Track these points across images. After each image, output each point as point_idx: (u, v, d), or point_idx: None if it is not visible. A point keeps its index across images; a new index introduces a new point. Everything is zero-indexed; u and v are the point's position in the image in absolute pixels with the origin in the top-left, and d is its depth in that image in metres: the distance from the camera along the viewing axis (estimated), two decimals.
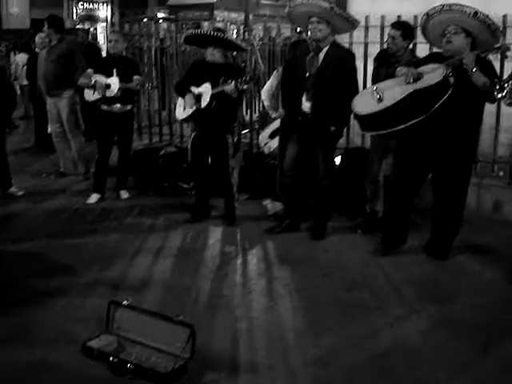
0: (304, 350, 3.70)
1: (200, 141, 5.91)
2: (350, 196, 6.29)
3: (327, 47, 5.31)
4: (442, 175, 4.97)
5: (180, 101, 5.96)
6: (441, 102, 4.48)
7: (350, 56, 5.47)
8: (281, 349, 3.72)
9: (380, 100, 4.65)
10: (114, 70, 6.54)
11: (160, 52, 8.93)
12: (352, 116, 5.08)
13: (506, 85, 4.19)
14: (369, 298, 4.42)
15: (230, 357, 3.61)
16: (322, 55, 5.31)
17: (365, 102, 4.80)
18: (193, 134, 6.03)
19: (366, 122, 4.84)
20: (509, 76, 4.30)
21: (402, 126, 4.56)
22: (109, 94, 6.47)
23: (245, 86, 5.43)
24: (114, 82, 6.47)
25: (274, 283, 4.67)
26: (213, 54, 5.68)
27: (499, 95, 4.22)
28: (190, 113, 5.81)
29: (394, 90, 4.66)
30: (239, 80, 5.39)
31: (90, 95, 6.66)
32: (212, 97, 5.57)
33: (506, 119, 6.42)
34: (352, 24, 5.42)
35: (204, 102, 5.63)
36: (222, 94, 5.51)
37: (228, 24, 12.96)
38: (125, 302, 3.72)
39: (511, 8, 6.43)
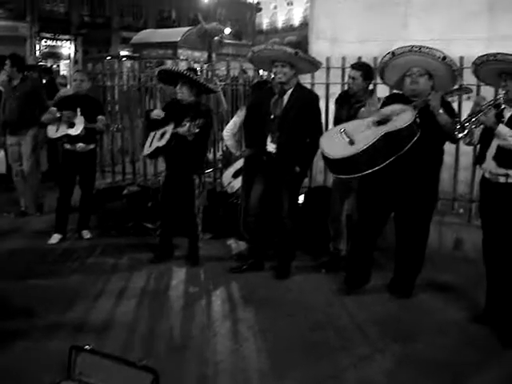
0: None
1: (169, 181, 5.95)
2: (313, 235, 6.32)
3: (291, 89, 5.40)
4: (405, 214, 5.04)
5: (149, 137, 6.00)
6: (411, 143, 4.54)
7: (314, 97, 5.55)
8: None
9: (352, 143, 4.64)
10: (79, 110, 6.53)
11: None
12: (322, 158, 5.04)
13: (466, 124, 4.28)
14: (333, 338, 4.42)
15: None
16: (286, 97, 5.39)
17: (334, 145, 4.76)
18: (163, 174, 6.08)
19: (339, 165, 4.78)
20: (468, 116, 4.40)
21: (375, 169, 4.57)
22: (73, 132, 6.45)
23: (196, 130, 5.44)
24: (79, 121, 6.46)
25: (238, 325, 4.64)
26: (181, 92, 5.75)
27: (460, 135, 4.31)
28: (151, 150, 5.87)
29: (365, 133, 4.66)
30: (193, 123, 5.43)
31: (53, 132, 6.62)
32: (172, 136, 5.62)
33: (465, 158, 6.56)
34: (315, 66, 5.53)
35: (164, 141, 5.68)
36: (180, 134, 5.56)
37: (191, 63, 13.05)
38: (87, 347, 3.64)
39: (468, 49, 6.62)
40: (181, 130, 5.53)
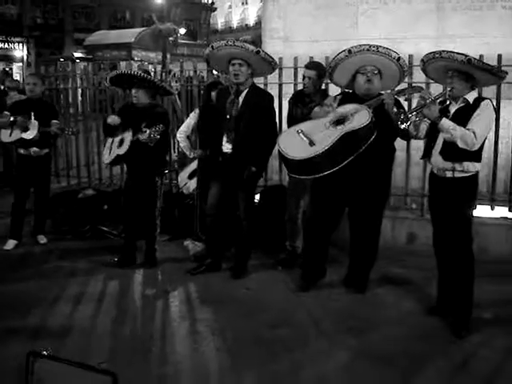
0: None
1: (131, 184, 5.93)
2: (269, 233, 6.39)
3: (246, 90, 5.44)
4: (358, 210, 5.15)
5: (107, 144, 5.98)
6: (369, 141, 4.62)
7: (268, 98, 5.60)
8: None
9: (312, 144, 4.68)
10: (32, 114, 6.47)
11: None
12: (280, 159, 5.06)
13: (409, 115, 4.40)
14: (290, 334, 4.48)
15: None
16: (241, 98, 5.43)
17: (294, 146, 4.78)
18: (125, 178, 6.03)
19: (299, 166, 4.80)
20: (413, 109, 4.53)
21: (335, 169, 4.63)
22: (27, 136, 6.39)
23: (158, 136, 5.44)
24: (33, 125, 6.41)
25: (196, 325, 4.66)
26: (136, 96, 5.73)
27: (402, 126, 4.41)
28: (112, 158, 5.85)
29: (324, 133, 4.70)
30: (153, 129, 5.42)
31: (7, 136, 6.56)
32: (132, 143, 5.60)
33: (417, 153, 6.70)
34: (272, 67, 5.57)
35: (123, 149, 5.65)
36: (140, 141, 5.55)
37: (145, 64, 12.98)
38: (44, 352, 3.63)
39: (417, 48, 6.78)
40: (141, 137, 5.50)
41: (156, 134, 5.41)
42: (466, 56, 4.18)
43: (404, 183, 6.74)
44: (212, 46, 5.47)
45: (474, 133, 4.20)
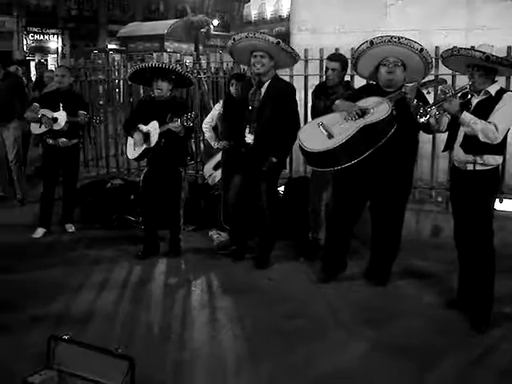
0: (244, 379, 3.78)
1: (153, 176, 5.94)
2: (293, 224, 6.42)
3: (269, 81, 5.46)
4: (380, 203, 5.15)
5: (130, 140, 6.00)
6: (389, 135, 4.61)
7: (290, 90, 5.63)
8: (221, 379, 3.78)
9: (330, 136, 4.71)
10: (61, 105, 6.59)
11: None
12: (300, 151, 5.10)
13: (428, 110, 4.37)
14: (309, 325, 4.52)
15: None
16: (263, 89, 5.46)
17: (313, 138, 4.82)
18: (145, 170, 6.07)
19: (317, 158, 4.84)
20: (433, 103, 4.51)
21: (353, 162, 4.64)
22: (56, 127, 6.52)
23: (191, 123, 5.49)
24: (61, 115, 6.52)
25: (216, 313, 4.73)
26: (160, 88, 5.73)
27: (421, 119, 4.39)
28: (140, 152, 5.86)
29: (343, 126, 4.73)
30: (185, 117, 5.46)
31: (37, 129, 6.73)
32: (160, 135, 5.63)
33: (442, 146, 6.66)
34: (294, 59, 5.59)
35: (153, 141, 5.69)
36: (169, 131, 5.58)
37: (180, 55, 13.04)
38: (65, 337, 3.73)
39: (447, 40, 6.71)
40: (173, 125, 5.52)
41: (189, 121, 5.45)
42: (484, 53, 4.13)
43: (429, 176, 6.68)
44: (234, 39, 5.52)
45: (495, 126, 4.17)
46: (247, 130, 5.52)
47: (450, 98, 4.28)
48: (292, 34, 8.68)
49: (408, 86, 4.87)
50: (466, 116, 4.23)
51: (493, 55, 4.15)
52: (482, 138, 4.19)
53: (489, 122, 4.19)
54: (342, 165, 4.69)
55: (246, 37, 5.41)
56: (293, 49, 5.52)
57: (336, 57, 5.83)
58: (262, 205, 5.70)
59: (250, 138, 5.51)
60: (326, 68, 5.81)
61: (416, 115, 4.41)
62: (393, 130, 4.62)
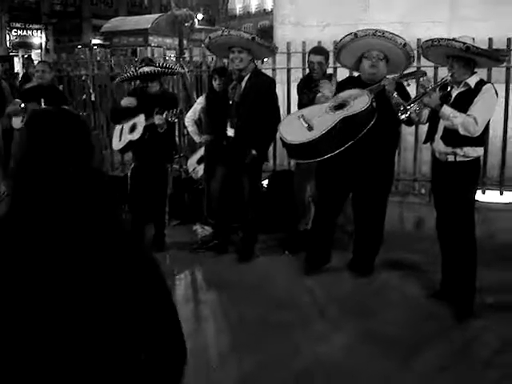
0: (228, 372, 3.79)
1: (140, 172, 5.92)
2: (277, 218, 6.42)
3: (248, 75, 5.48)
4: (362, 194, 5.17)
5: (116, 131, 5.99)
6: (368, 127, 4.65)
7: (270, 83, 5.67)
8: (206, 372, 3.78)
9: (310, 128, 4.74)
10: (42, 100, 6.55)
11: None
12: (281, 144, 5.13)
13: (408, 107, 4.39)
14: (293, 317, 4.53)
15: None
16: (243, 83, 5.48)
17: (293, 131, 4.86)
18: (132, 165, 6.06)
19: (297, 150, 4.89)
20: (413, 98, 4.53)
21: (333, 154, 4.68)
22: None
23: (175, 119, 5.49)
24: None
25: (200, 307, 4.76)
26: (150, 86, 5.76)
27: (402, 116, 4.42)
28: (124, 143, 5.85)
29: (323, 118, 4.75)
30: (170, 112, 5.47)
31: (19, 123, 6.66)
32: (145, 129, 5.62)
33: None
34: (272, 51, 5.68)
35: (137, 134, 5.67)
36: (154, 125, 5.58)
37: (163, 49, 12.99)
38: None
39: (429, 32, 6.72)
40: (157, 121, 5.52)
41: (174, 117, 5.45)
42: (465, 43, 4.15)
43: (412, 168, 6.71)
44: (209, 37, 5.59)
45: (474, 119, 4.19)
46: (228, 124, 5.54)
47: (429, 92, 4.30)
48: (275, 27, 8.66)
49: (388, 78, 4.89)
50: (446, 110, 4.25)
51: (473, 46, 4.17)
52: (462, 131, 4.22)
53: (468, 115, 4.21)
54: (321, 156, 4.72)
55: (221, 35, 5.47)
56: (269, 42, 5.58)
57: (320, 50, 5.85)
58: (244, 198, 5.71)
59: (230, 132, 5.54)
60: (310, 62, 5.82)
61: (397, 113, 4.43)
62: (373, 122, 4.65)
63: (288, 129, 4.96)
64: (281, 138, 4.96)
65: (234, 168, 5.61)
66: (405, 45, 4.84)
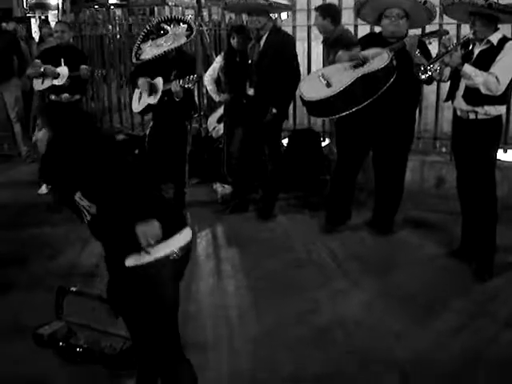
0: (247, 327, 3.86)
1: (159, 130, 5.90)
2: (298, 177, 6.43)
3: (267, 33, 5.46)
4: (382, 152, 5.16)
5: (136, 94, 5.97)
6: (387, 85, 4.62)
7: (289, 41, 5.66)
8: (225, 328, 3.86)
9: (329, 85, 4.73)
10: (62, 60, 6.54)
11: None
12: (301, 102, 5.13)
13: (428, 67, 4.33)
14: (313, 274, 4.59)
15: None
16: (262, 42, 5.47)
17: (313, 88, 4.87)
18: (151, 124, 6.05)
19: (316, 107, 4.90)
20: (434, 57, 4.47)
21: (351, 111, 4.68)
22: (57, 82, 6.48)
23: (191, 86, 5.47)
24: (63, 71, 6.48)
25: (221, 264, 4.80)
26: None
27: (422, 76, 4.37)
28: (144, 106, 5.82)
29: (342, 75, 4.74)
30: (187, 79, 5.40)
31: (39, 85, 6.68)
32: (163, 94, 5.58)
33: None
34: (289, 9, 5.81)
35: (155, 99, 5.64)
36: (171, 91, 5.54)
37: (181, 8, 12.83)
38: (73, 288, 3.79)
39: None
40: (174, 87, 5.46)
41: (190, 84, 5.42)
42: (487, 0, 4.06)
43: (433, 126, 6.64)
44: (225, 3, 5.65)
45: (496, 77, 4.11)
46: (248, 83, 5.54)
47: (450, 51, 4.23)
48: None
49: (409, 36, 4.82)
50: (468, 69, 4.18)
51: (496, 2, 4.08)
52: (483, 90, 4.15)
53: (490, 73, 4.14)
54: (339, 113, 4.76)
55: (238, 2, 5.53)
56: (285, 4, 5.63)
57: (321, 10, 5.86)
58: (264, 156, 5.72)
59: (250, 91, 5.54)
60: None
61: (417, 73, 4.39)
62: (392, 80, 4.62)
63: (307, 86, 4.97)
64: (300, 96, 4.96)
65: (254, 127, 5.59)
66: (425, 2, 4.75)
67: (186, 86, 5.41)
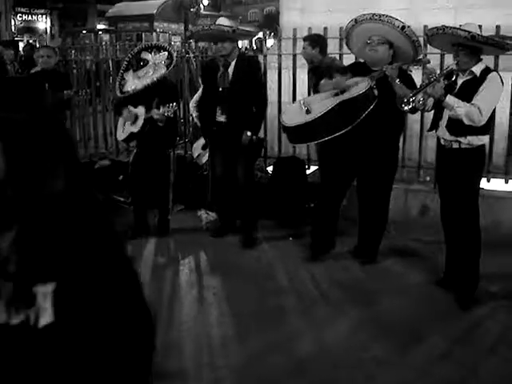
0: (230, 356, 3.81)
1: (141, 158, 5.93)
2: (282, 204, 6.43)
3: (235, 61, 5.58)
4: (365, 181, 5.17)
5: (120, 122, 6.03)
6: (366, 112, 4.65)
7: (256, 65, 5.95)
8: (208, 357, 3.81)
9: (308, 112, 4.80)
10: (47, 85, 6.53)
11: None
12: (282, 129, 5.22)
13: (411, 98, 4.37)
14: (296, 303, 4.56)
15: (158, 367, 3.65)
16: (231, 70, 5.57)
17: (293, 115, 4.98)
18: (134, 152, 6.08)
19: (294, 133, 4.98)
20: (417, 88, 4.50)
21: (329, 137, 4.73)
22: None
23: (171, 114, 5.51)
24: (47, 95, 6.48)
25: (204, 292, 4.76)
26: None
27: (405, 108, 4.41)
28: (127, 135, 5.89)
29: (321, 103, 4.82)
30: (167, 107, 5.47)
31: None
32: (145, 122, 5.64)
33: None
34: (253, 36, 6.18)
35: (138, 126, 5.70)
36: (153, 119, 5.60)
37: (168, 35, 12.92)
38: None
39: (436, 19, 6.68)
40: (155, 116, 5.53)
41: (170, 112, 5.46)
42: (470, 32, 4.11)
43: (418, 155, 6.68)
44: (191, 32, 5.96)
45: (479, 108, 4.16)
46: (219, 111, 5.63)
47: (433, 82, 4.27)
48: (281, 13, 8.65)
49: (389, 65, 4.86)
50: (450, 100, 4.22)
51: (478, 34, 4.14)
52: (466, 121, 4.20)
53: (472, 104, 4.18)
54: (318, 139, 4.91)
55: (203, 30, 5.77)
56: (248, 30, 5.76)
57: (307, 38, 6.19)
58: (238, 183, 5.79)
59: (222, 117, 5.62)
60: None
61: (400, 104, 4.42)
62: (371, 108, 4.66)
63: (289, 114, 5.14)
64: (282, 124, 5.07)
65: (228, 153, 5.70)
66: (403, 28, 4.77)
67: (167, 114, 5.44)
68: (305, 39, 5.96)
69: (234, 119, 5.54)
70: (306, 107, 4.82)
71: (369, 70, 4.91)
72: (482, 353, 3.86)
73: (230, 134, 5.54)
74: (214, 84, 5.63)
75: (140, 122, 5.67)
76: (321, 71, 5.77)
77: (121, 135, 6.04)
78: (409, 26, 4.82)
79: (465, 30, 4.15)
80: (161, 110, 5.48)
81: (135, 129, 5.72)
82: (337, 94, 4.80)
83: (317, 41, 5.85)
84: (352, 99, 4.67)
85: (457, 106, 4.19)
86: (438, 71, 4.74)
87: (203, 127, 5.94)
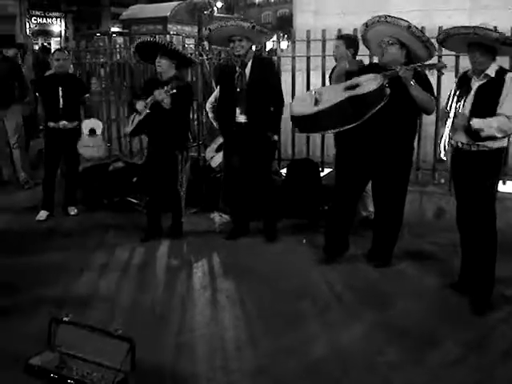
0: (243, 360, 3.79)
1: (152, 159, 5.97)
2: (296, 205, 6.42)
3: (251, 61, 5.64)
4: (380, 183, 5.14)
5: (130, 119, 6.06)
6: (374, 110, 4.62)
7: (272, 65, 6.10)
8: (221, 360, 3.78)
9: (316, 102, 4.79)
10: (60, 89, 6.57)
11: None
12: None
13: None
14: (309, 306, 4.53)
15: (171, 370, 3.67)
16: (248, 70, 5.62)
17: (302, 104, 5.01)
18: (146, 152, 6.11)
19: (300, 122, 5.03)
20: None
21: (335, 131, 4.90)
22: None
23: (174, 90, 5.51)
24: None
25: (217, 295, 4.75)
26: (160, 64, 5.69)
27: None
28: (134, 126, 5.90)
29: (331, 95, 4.82)
30: (168, 86, 5.52)
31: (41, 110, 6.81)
32: (151, 107, 5.66)
33: None
34: (269, 36, 5.96)
35: (143, 114, 5.74)
36: (158, 103, 5.61)
37: (182, 37, 12.93)
38: (66, 318, 3.74)
39: (450, 20, 6.64)
40: (157, 95, 5.54)
41: (171, 90, 5.50)
42: (501, 33, 4.08)
43: (432, 158, 6.64)
44: (209, 29, 5.74)
45: (507, 117, 4.12)
46: (238, 111, 5.65)
47: (457, 124, 4.28)
48: (295, 15, 8.64)
49: (403, 66, 4.83)
50: (476, 123, 4.17)
51: (508, 37, 4.10)
52: (499, 135, 4.16)
53: (499, 115, 4.14)
54: (323, 130, 5.07)
55: (222, 26, 5.62)
56: (267, 29, 5.94)
57: (340, 36, 6.10)
58: (257, 183, 5.86)
59: (242, 118, 5.65)
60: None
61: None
62: (379, 106, 4.62)
63: (298, 102, 5.22)
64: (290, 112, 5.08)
65: (247, 154, 5.74)
66: (409, 27, 4.73)
67: (168, 92, 5.48)
68: (339, 37, 5.93)
69: (254, 119, 5.60)
70: (316, 98, 4.81)
71: (383, 70, 4.88)
72: (497, 357, 3.81)
73: (250, 134, 5.62)
74: (231, 85, 5.66)
75: (147, 108, 5.72)
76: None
77: (129, 128, 6.08)
78: (414, 26, 4.79)
79: (496, 32, 4.11)
80: (162, 90, 5.54)
81: (142, 116, 5.75)
82: (348, 88, 4.78)
83: (353, 42, 5.84)
84: (362, 95, 4.65)
85: (487, 126, 4.14)
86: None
87: (223, 128, 5.97)
